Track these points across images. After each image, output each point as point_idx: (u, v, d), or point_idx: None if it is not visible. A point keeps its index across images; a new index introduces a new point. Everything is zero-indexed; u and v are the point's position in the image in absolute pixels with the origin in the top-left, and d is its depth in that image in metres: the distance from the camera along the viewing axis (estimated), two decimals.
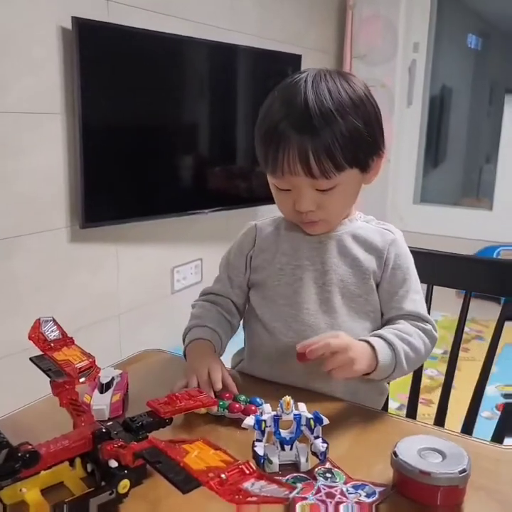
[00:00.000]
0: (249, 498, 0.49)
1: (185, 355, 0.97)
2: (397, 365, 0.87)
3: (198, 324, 1.00)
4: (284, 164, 0.86)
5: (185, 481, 0.52)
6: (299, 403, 0.73)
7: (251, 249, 1.01)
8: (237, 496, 0.50)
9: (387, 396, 1.06)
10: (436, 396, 2.15)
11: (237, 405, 0.81)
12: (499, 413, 2.07)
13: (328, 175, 0.85)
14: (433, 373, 2.38)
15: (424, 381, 1.24)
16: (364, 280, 0.94)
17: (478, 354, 2.20)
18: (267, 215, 1.04)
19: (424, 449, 0.67)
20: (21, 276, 1.87)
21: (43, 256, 1.93)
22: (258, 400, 0.82)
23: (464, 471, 0.63)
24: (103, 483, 0.63)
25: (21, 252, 1.86)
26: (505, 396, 2.17)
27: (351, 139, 0.85)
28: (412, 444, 0.68)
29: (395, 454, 0.66)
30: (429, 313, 1.18)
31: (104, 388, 0.84)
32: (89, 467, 0.66)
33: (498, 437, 1.08)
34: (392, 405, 1.09)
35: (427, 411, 1.77)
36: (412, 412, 1.18)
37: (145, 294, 2.40)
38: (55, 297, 2.00)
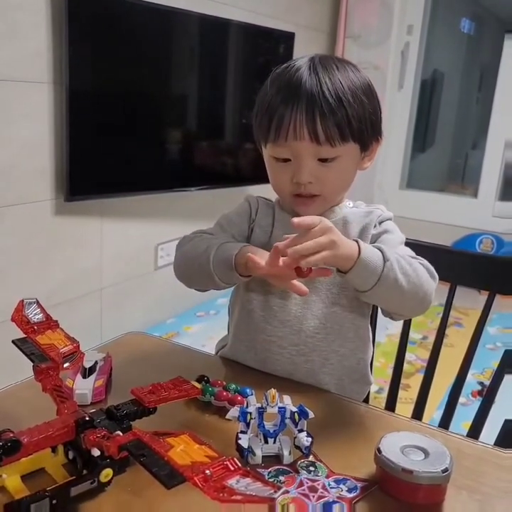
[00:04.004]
0: (233, 497, 0.49)
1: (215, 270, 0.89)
2: (385, 268, 0.79)
3: (227, 240, 0.92)
4: (289, 129, 0.85)
5: (170, 476, 0.52)
6: (284, 396, 0.73)
7: (253, 220, 0.98)
8: (221, 494, 0.49)
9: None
10: (413, 380, 2.20)
11: (224, 393, 0.81)
12: (474, 400, 2.13)
13: (333, 142, 0.85)
14: (411, 358, 2.42)
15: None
16: None
17: (457, 341, 2.23)
18: (254, 194, 1.02)
19: (408, 446, 0.68)
20: (3, 249, 1.84)
21: (26, 228, 1.90)
22: (248, 390, 0.82)
23: (446, 470, 0.64)
24: (85, 472, 0.63)
25: (4, 223, 1.83)
26: (481, 384, 2.22)
27: (357, 112, 0.86)
28: (396, 441, 0.68)
29: (378, 450, 0.67)
30: None
31: (87, 373, 0.83)
32: (70, 454, 0.66)
33: (499, 376, 1.09)
34: (372, 388, 1.10)
35: (404, 395, 1.80)
36: (392, 398, 1.19)
37: (128, 269, 2.39)
38: (38, 270, 1.97)
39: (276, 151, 0.89)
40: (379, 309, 1.15)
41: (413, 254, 0.89)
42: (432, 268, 0.87)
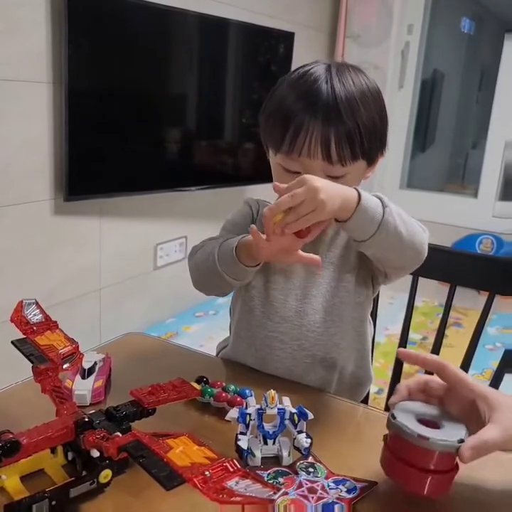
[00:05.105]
0: (233, 498, 0.49)
1: (220, 262, 0.90)
2: (385, 214, 0.78)
3: (228, 238, 0.94)
4: (303, 146, 0.85)
5: (169, 477, 0.52)
6: (283, 397, 0.73)
7: (255, 219, 0.99)
8: (220, 495, 0.49)
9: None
10: None
11: (223, 394, 0.81)
12: None
13: (344, 162, 0.85)
14: None
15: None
16: (355, 252, 0.95)
17: (456, 341, 2.23)
18: (253, 195, 1.02)
19: (422, 415, 0.67)
20: (2, 248, 1.84)
21: (25, 228, 1.90)
22: (248, 391, 0.82)
23: (462, 441, 0.62)
24: (84, 473, 0.63)
25: (3, 223, 1.82)
26: None
27: (369, 129, 0.86)
28: (411, 410, 0.67)
29: (393, 416, 0.66)
30: (412, 303, 1.19)
31: (86, 373, 0.83)
32: (70, 455, 0.66)
33: (498, 376, 1.09)
34: (372, 389, 1.10)
35: None
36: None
37: (127, 269, 2.38)
38: (37, 270, 1.97)
39: (286, 163, 0.89)
40: (378, 308, 1.16)
41: None
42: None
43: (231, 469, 0.53)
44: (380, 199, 0.80)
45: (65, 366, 0.71)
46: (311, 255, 0.83)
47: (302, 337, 0.95)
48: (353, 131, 0.84)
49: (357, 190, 0.78)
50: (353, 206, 0.77)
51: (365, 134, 0.86)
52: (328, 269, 0.95)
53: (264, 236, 0.79)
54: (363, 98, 0.86)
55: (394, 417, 0.66)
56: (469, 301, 2.20)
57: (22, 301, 0.79)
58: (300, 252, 0.82)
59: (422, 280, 1.18)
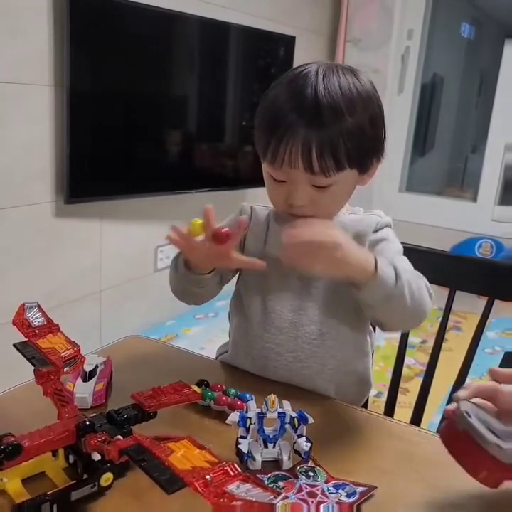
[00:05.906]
0: (233, 502, 0.49)
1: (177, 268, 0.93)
2: (397, 287, 0.78)
3: None
4: (285, 156, 0.83)
5: (170, 481, 0.52)
6: (283, 401, 0.73)
7: (245, 229, 0.97)
8: (221, 499, 0.50)
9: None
10: (412, 385, 2.20)
11: (223, 398, 0.81)
12: None
13: (328, 173, 0.83)
14: (410, 362, 2.42)
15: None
16: None
17: (456, 345, 2.24)
18: (254, 198, 1.02)
19: (488, 423, 0.64)
20: (3, 250, 1.85)
21: (26, 230, 1.91)
22: (248, 395, 0.82)
23: None
24: (85, 476, 0.63)
25: (4, 224, 1.83)
26: None
27: (356, 137, 0.83)
28: (479, 415, 0.64)
29: (467, 413, 0.63)
30: None
31: (87, 376, 0.83)
32: (71, 458, 0.66)
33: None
34: (371, 393, 1.10)
35: (403, 399, 1.80)
36: (391, 402, 1.19)
37: (127, 271, 2.39)
38: (38, 272, 1.98)
39: (271, 172, 0.88)
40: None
41: (411, 267, 0.87)
42: (429, 286, 0.86)
43: (232, 473, 0.53)
44: (395, 268, 0.79)
45: (66, 369, 0.71)
46: (254, 259, 0.84)
47: (298, 349, 0.94)
48: (336, 138, 0.81)
49: (375, 257, 0.78)
50: (369, 270, 0.77)
51: (352, 142, 0.82)
52: (324, 281, 0.94)
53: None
54: (349, 104, 0.82)
55: (469, 415, 0.63)
56: (469, 305, 2.19)
57: (24, 304, 0.79)
58: (238, 255, 0.84)
59: None
